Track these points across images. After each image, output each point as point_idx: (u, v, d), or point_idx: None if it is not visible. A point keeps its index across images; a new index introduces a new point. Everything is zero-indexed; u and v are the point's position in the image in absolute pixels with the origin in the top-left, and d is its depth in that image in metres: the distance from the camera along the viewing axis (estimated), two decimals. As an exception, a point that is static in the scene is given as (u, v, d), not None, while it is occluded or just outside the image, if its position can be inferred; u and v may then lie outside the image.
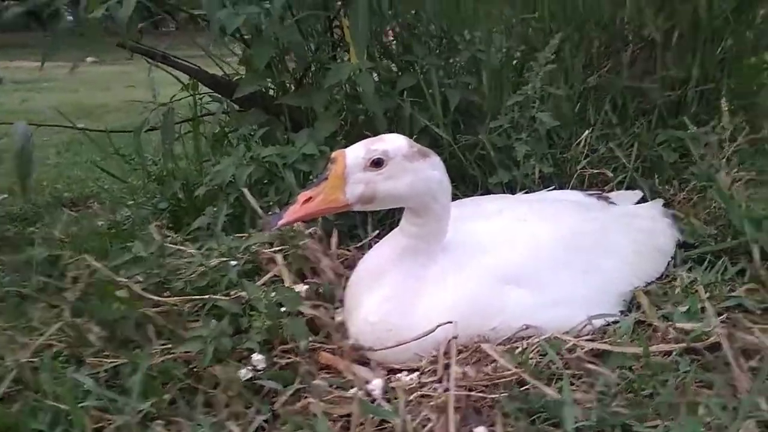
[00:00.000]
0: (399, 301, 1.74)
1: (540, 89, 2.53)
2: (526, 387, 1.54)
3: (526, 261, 1.84)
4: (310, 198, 1.66)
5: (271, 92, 3.05)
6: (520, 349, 1.68)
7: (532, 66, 2.53)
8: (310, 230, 2.29)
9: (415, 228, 1.77)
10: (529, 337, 1.74)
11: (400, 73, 2.82)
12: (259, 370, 1.68)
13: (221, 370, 1.66)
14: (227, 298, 1.88)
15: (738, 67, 3.14)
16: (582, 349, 1.65)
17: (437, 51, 2.90)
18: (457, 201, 2.26)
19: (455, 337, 1.66)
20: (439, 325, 1.66)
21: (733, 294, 1.91)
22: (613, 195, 2.50)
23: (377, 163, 1.67)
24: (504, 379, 1.55)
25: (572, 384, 1.57)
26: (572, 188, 2.70)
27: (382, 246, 1.89)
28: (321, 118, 2.55)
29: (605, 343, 1.69)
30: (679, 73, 3.01)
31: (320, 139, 2.52)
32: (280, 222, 1.65)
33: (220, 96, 3.11)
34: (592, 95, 3.02)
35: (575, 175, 2.76)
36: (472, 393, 1.53)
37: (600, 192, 2.55)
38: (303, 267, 2.16)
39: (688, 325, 1.71)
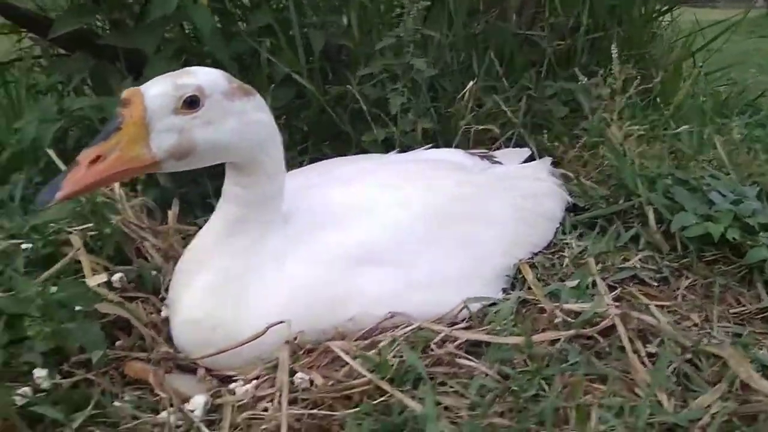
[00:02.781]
0: (227, 291, 1.35)
1: (414, 32, 2.17)
2: (386, 397, 1.22)
3: (388, 235, 1.50)
4: (99, 157, 1.21)
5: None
6: (383, 343, 1.35)
7: (404, 4, 2.16)
8: (136, 201, 1.86)
9: (242, 190, 1.37)
10: (397, 326, 1.42)
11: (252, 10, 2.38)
12: (44, 391, 1.27)
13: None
14: (6, 294, 1.42)
15: (629, 15, 2.95)
16: (453, 342, 1.34)
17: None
18: (310, 165, 1.91)
19: (295, 339, 1.31)
20: (269, 326, 1.29)
21: (626, 265, 1.67)
22: (498, 154, 2.24)
23: (191, 104, 1.25)
24: (357, 389, 1.21)
25: (445, 386, 1.27)
26: (458, 146, 2.42)
27: (212, 220, 1.49)
28: (151, 61, 2.06)
29: (482, 331, 1.39)
30: (568, 20, 2.77)
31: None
32: (59, 195, 1.18)
33: (37, 36, 2.55)
34: (479, 43, 2.72)
35: (461, 132, 2.45)
36: (315, 411, 1.19)
37: (485, 151, 2.28)
38: (125, 248, 1.72)
39: (576, 306, 1.44)
